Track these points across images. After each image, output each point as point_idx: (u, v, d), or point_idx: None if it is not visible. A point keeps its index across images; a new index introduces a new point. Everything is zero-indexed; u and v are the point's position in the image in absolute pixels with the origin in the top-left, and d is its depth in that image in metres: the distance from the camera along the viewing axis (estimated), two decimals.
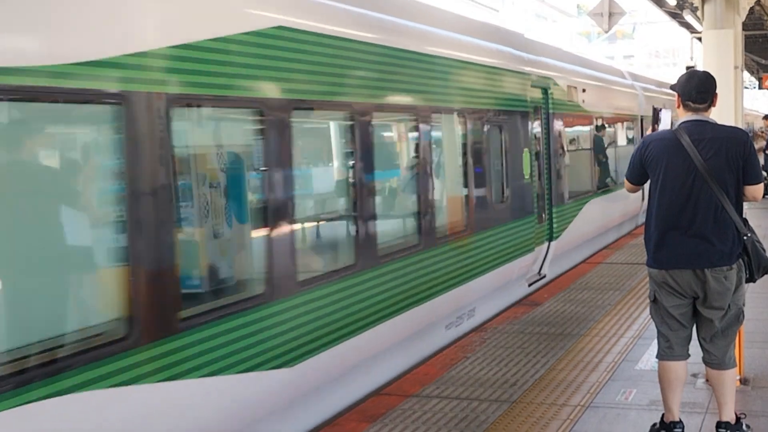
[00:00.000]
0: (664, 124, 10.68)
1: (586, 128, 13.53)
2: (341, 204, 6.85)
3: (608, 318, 8.45)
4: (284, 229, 5.60)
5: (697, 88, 5.00)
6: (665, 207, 4.94)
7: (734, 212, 4.89)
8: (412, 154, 7.70)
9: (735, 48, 16.41)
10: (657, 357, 5.17)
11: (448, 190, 8.42)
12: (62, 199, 4.37)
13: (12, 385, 3.73)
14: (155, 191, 4.55)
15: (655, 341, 5.22)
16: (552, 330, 8.04)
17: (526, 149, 10.12)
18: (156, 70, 4.57)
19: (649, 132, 16.47)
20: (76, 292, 4.40)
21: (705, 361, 5.12)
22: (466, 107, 8.55)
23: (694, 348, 5.13)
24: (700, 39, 19.83)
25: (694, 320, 5.06)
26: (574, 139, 12.75)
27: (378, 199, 6.89)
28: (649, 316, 5.31)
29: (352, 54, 6.48)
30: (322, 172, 7.10)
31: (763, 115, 27.16)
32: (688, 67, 22.20)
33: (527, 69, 10.34)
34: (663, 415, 5.17)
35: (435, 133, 7.95)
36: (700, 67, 15.04)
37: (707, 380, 5.42)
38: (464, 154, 8.57)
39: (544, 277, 10.82)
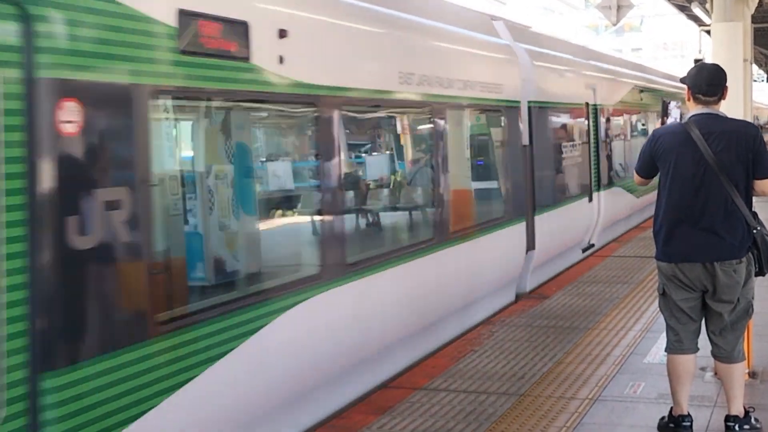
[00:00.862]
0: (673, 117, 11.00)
1: (620, 120, 15.47)
2: None
3: (616, 311, 8.44)
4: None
5: (707, 81, 4.98)
6: (675, 200, 4.93)
7: (744, 205, 4.88)
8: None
9: (744, 41, 16.37)
10: (666, 350, 5.16)
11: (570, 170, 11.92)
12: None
13: None
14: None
15: (664, 334, 5.21)
16: (560, 323, 8.03)
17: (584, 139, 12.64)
18: None
19: (657, 125, 16.46)
20: None
21: (714, 355, 5.12)
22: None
23: (703, 341, 5.12)
24: (708, 32, 19.76)
25: (703, 314, 5.05)
26: (611, 130, 14.44)
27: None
28: (658, 310, 5.30)
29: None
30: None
31: None
32: (696, 60, 22.14)
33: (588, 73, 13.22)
34: (671, 408, 5.17)
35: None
36: (708, 60, 15.00)
37: (716, 374, 5.41)
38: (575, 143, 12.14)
39: (593, 245, 12.75)
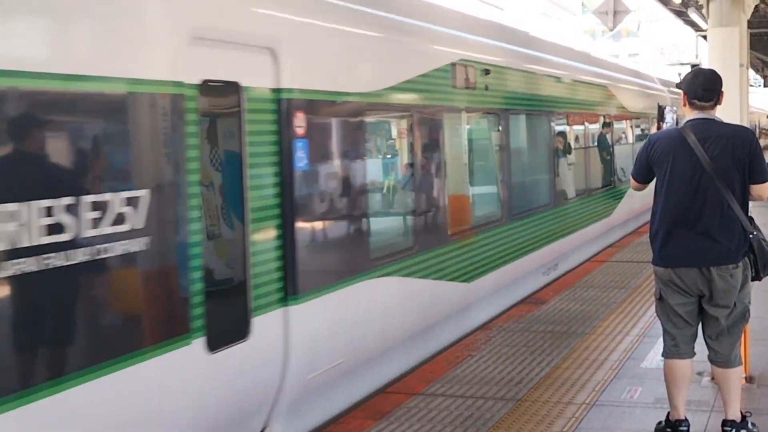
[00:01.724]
0: (669, 121, 11.09)
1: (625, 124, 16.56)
2: None
3: (613, 316, 8.44)
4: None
5: (703, 86, 4.99)
6: (671, 205, 4.94)
7: (740, 210, 4.88)
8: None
9: (740, 46, 16.39)
10: (663, 355, 5.17)
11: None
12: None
13: None
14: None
15: (661, 339, 5.21)
16: (557, 328, 8.04)
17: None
18: None
19: (653, 130, 16.49)
20: None
21: (711, 360, 5.12)
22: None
23: (700, 346, 5.12)
24: (704, 37, 19.80)
25: (700, 318, 5.06)
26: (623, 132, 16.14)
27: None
28: (655, 315, 5.31)
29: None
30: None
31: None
32: (692, 65, 22.19)
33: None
34: (668, 413, 5.17)
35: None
36: (705, 65, 15.03)
37: (713, 378, 5.42)
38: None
39: None
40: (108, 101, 4.06)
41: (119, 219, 4.02)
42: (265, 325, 5.10)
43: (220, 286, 5.03)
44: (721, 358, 5.04)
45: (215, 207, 5.23)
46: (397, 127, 7.56)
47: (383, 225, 7.14)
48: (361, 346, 6.28)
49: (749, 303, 5.05)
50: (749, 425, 5.09)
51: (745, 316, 5.04)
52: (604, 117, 14.25)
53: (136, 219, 4.11)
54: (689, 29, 26.19)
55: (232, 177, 5.07)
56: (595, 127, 13.98)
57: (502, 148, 9.34)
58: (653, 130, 14.41)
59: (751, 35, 20.58)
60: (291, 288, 5.31)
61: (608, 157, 14.45)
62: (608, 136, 14.51)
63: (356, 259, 6.18)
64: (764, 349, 6.86)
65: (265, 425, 5.37)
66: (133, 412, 4.14)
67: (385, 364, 6.87)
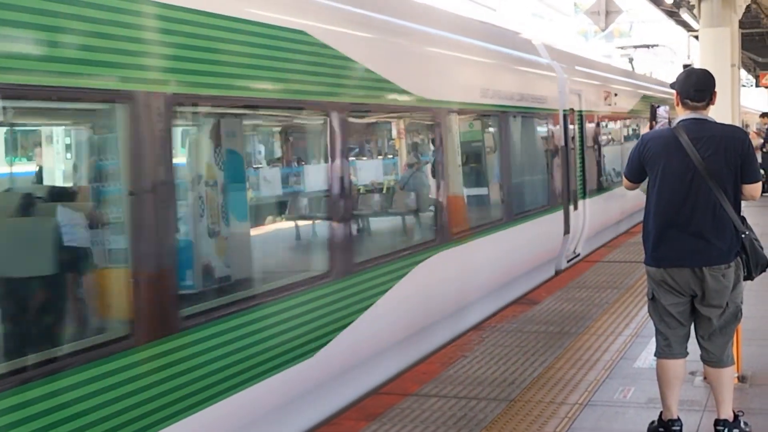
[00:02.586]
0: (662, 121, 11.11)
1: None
2: None
3: (606, 316, 8.45)
4: None
5: (696, 86, 5.00)
6: (664, 205, 4.94)
7: (732, 210, 4.89)
8: None
9: (732, 46, 16.45)
10: (655, 355, 5.17)
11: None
12: None
13: None
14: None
15: (653, 339, 5.22)
16: (550, 328, 8.04)
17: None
18: None
19: (646, 129, 16.53)
20: None
21: (703, 359, 5.13)
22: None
23: (692, 346, 5.13)
24: (696, 37, 19.85)
25: (693, 318, 5.06)
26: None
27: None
28: (648, 315, 5.31)
29: None
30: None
31: (760, 113, 27.18)
32: (685, 66, 22.22)
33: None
34: (661, 413, 5.18)
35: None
36: (697, 66, 15.04)
37: (705, 378, 5.42)
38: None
39: None
40: None
41: None
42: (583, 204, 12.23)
43: None
44: (713, 358, 5.05)
45: None
46: None
47: None
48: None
49: (741, 303, 5.06)
50: (741, 424, 5.10)
51: (737, 315, 5.05)
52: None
53: None
54: (681, 29, 26.24)
55: None
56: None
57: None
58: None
59: (743, 35, 20.64)
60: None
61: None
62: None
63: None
64: (756, 349, 6.88)
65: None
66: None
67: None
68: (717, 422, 5.08)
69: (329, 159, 6.13)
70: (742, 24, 18.86)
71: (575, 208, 12.28)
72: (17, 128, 6.45)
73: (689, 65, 23.16)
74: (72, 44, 3.94)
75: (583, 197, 12.77)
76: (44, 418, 3.71)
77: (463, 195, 8.68)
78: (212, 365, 4.72)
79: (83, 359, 3.95)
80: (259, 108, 5.84)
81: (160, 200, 4.41)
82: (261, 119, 6.79)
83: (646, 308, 5.39)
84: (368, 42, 6.83)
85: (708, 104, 5.03)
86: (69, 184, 6.22)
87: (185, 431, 4.47)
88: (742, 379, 6.17)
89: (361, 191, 7.68)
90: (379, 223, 8.09)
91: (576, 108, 12.58)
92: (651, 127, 16.85)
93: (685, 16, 20.97)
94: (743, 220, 4.97)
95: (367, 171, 8.03)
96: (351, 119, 6.43)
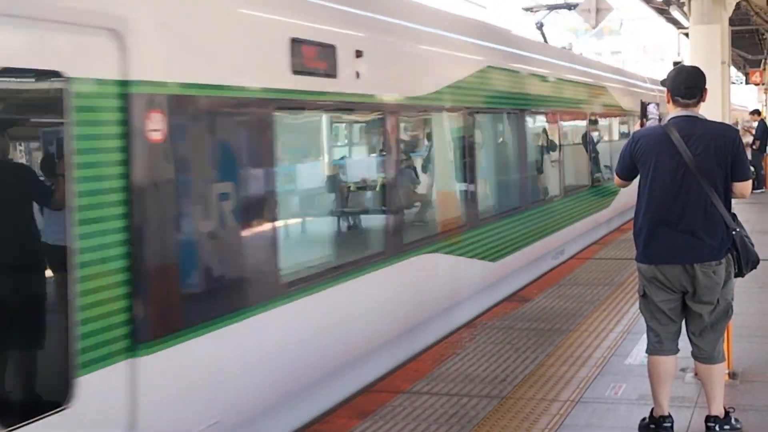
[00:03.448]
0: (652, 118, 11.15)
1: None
2: None
3: (597, 313, 8.47)
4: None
5: (686, 84, 5.01)
6: (655, 202, 4.95)
7: (723, 207, 4.90)
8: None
9: (722, 43, 16.48)
10: (646, 352, 5.18)
11: None
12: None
13: None
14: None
15: (645, 336, 5.23)
16: (541, 326, 8.05)
17: None
18: None
19: (637, 126, 16.55)
20: None
21: (694, 356, 5.14)
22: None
23: (683, 342, 5.15)
24: (687, 35, 19.90)
25: (684, 315, 5.07)
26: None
27: None
28: (639, 311, 5.33)
29: None
30: None
31: (750, 111, 27.28)
32: (675, 63, 22.28)
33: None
34: (652, 409, 5.19)
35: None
36: (687, 63, 15.08)
37: (696, 374, 5.44)
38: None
39: None
40: None
41: None
42: None
43: None
44: (704, 355, 5.06)
45: None
46: None
47: None
48: None
49: (732, 299, 5.07)
50: (732, 421, 5.12)
51: (728, 312, 5.06)
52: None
53: None
54: (672, 27, 26.30)
55: None
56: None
57: None
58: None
59: (733, 33, 20.70)
60: None
61: None
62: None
63: None
64: (747, 346, 6.90)
65: None
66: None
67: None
68: (708, 419, 5.10)
69: None
70: (732, 21, 18.91)
71: None
72: None
73: (679, 62, 23.22)
74: None
75: None
76: None
77: None
78: None
79: None
80: None
81: None
82: None
83: (637, 305, 5.40)
84: None
85: (699, 102, 5.04)
86: None
87: None
88: (732, 375, 6.19)
89: None
90: None
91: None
92: (642, 125, 16.86)
93: (675, 13, 21.01)
94: (734, 217, 4.98)
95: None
96: None
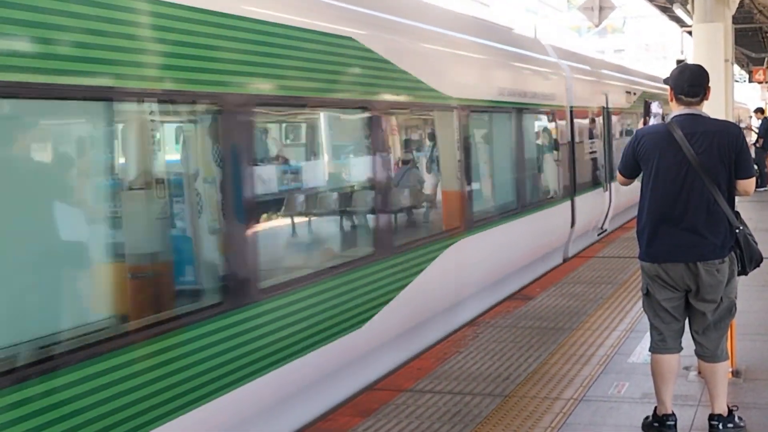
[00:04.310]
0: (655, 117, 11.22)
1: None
2: None
3: (600, 311, 8.46)
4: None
5: (690, 82, 5.00)
6: (658, 201, 4.94)
7: (726, 205, 4.90)
8: None
9: (725, 41, 16.45)
10: (650, 350, 5.18)
11: None
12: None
13: None
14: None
15: (648, 334, 5.23)
16: (544, 324, 8.05)
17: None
18: None
19: (639, 125, 16.58)
20: None
21: (697, 354, 5.14)
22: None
23: (687, 341, 5.14)
24: (690, 33, 19.87)
25: (687, 313, 5.07)
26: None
27: None
28: (642, 310, 5.32)
29: None
30: None
31: (754, 109, 27.23)
32: (678, 61, 22.25)
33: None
34: (656, 407, 5.19)
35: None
36: (690, 61, 15.07)
37: (699, 373, 5.44)
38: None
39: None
40: None
41: None
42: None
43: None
44: (707, 353, 5.06)
45: None
46: None
47: None
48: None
49: (735, 298, 5.07)
50: (736, 419, 5.11)
51: (731, 310, 5.06)
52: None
53: None
54: (675, 25, 26.27)
55: None
56: None
57: None
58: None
59: (736, 31, 20.66)
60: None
61: None
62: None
63: None
64: (750, 344, 6.90)
65: None
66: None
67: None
68: (711, 417, 5.10)
69: None
70: (735, 19, 18.87)
71: (605, 189, 14.63)
72: None
73: (683, 61, 23.19)
74: None
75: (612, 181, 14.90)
76: None
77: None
78: None
79: None
80: None
81: None
82: None
83: (640, 303, 5.40)
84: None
85: (702, 100, 5.04)
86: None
87: None
88: (736, 373, 6.18)
89: None
90: None
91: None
92: (645, 123, 16.86)
93: (679, 11, 20.97)
94: (737, 215, 4.98)
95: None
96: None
